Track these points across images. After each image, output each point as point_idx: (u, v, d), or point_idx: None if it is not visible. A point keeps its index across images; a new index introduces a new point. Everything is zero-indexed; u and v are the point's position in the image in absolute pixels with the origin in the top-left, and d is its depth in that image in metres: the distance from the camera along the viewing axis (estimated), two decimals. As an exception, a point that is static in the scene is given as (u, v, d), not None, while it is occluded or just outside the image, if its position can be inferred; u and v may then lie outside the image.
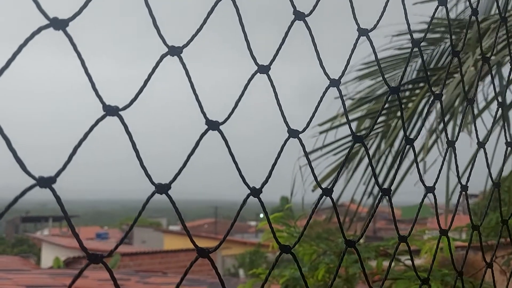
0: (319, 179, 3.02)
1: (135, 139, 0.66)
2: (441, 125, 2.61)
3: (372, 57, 3.47)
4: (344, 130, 3.27)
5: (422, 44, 3.47)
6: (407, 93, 3.26)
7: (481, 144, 1.03)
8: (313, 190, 2.92)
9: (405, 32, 3.40)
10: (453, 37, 3.23)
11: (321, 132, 3.17)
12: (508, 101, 2.83)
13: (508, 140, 1.13)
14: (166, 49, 0.68)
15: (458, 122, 2.78)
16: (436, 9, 0.92)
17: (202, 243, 0.73)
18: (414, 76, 3.46)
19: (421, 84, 3.21)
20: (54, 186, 0.58)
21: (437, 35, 3.52)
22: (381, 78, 3.42)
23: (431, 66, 3.45)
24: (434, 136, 2.84)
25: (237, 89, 0.76)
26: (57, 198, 0.58)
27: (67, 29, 0.59)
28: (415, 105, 2.99)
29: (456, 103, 2.71)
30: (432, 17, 0.99)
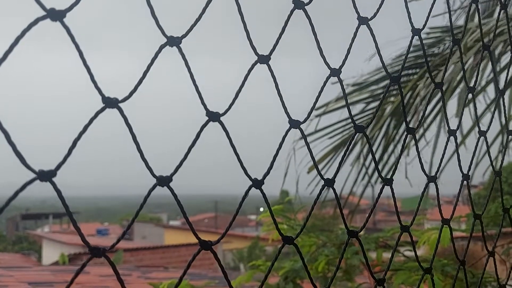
0: (312, 164, 3.04)
1: (139, 138, 0.65)
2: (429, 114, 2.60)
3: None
4: (336, 115, 3.30)
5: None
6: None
7: (482, 133, 1.03)
8: (308, 172, 2.97)
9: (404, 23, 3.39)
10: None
11: (316, 116, 3.22)
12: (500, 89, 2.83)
13: (508, 128, 1.13)
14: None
15: (448, 111, 2.78)
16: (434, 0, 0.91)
17: (202, 238, 0.72)
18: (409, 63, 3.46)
19: (411, 71, 3.22)
20: (54, 181, 0.57)
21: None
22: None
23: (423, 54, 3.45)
24: (427, 124, 2.84)
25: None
26: (58, 192, 0.58)
27: (65, 20, 0.58)
28: (405, 92, 2.99)
29: (456, 91, 2.72)
30: (432, 6, 0.98)
